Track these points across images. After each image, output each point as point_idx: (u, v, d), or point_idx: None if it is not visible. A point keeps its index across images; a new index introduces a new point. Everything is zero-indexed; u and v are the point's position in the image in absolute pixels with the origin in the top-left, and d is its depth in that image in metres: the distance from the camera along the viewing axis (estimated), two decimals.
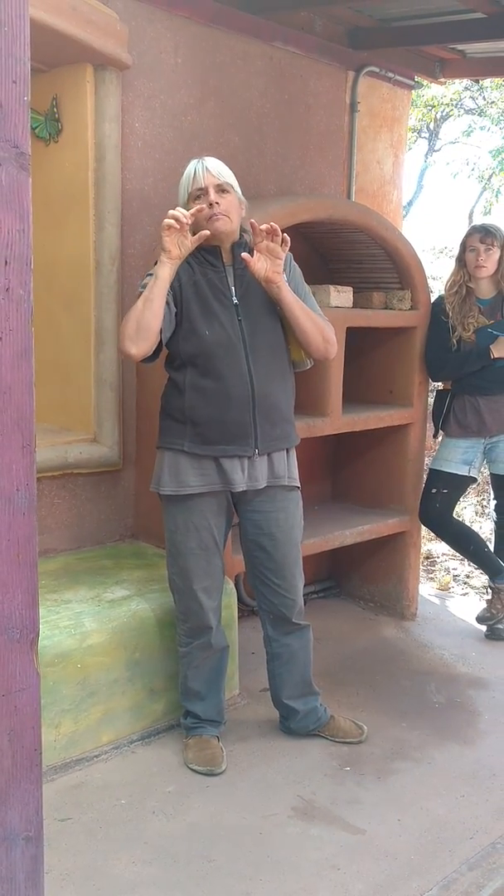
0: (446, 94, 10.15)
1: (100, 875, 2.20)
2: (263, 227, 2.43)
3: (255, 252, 2.47)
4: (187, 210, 2.42)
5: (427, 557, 4.80)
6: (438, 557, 4.86)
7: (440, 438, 3.85)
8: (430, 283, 4.12)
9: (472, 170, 11.65)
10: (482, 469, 3.81)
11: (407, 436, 3.82)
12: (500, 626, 3.79)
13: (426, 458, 4.00)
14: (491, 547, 3.87)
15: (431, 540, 4.97)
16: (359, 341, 3.65)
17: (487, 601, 3.87)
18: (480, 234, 3.58)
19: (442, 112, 10.72)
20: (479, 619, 3.84)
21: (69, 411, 3.38)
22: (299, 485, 2.73)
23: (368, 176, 4.35)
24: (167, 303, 2.46)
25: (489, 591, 3.85)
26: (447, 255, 10.83)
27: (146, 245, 3.36)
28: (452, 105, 10.54)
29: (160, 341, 2.49)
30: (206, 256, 2.56)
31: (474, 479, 3.78)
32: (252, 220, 2.46)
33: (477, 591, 4.38)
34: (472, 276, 3.61)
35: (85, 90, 3.10)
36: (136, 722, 2.84)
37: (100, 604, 2.83)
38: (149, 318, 2.40)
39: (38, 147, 3.20)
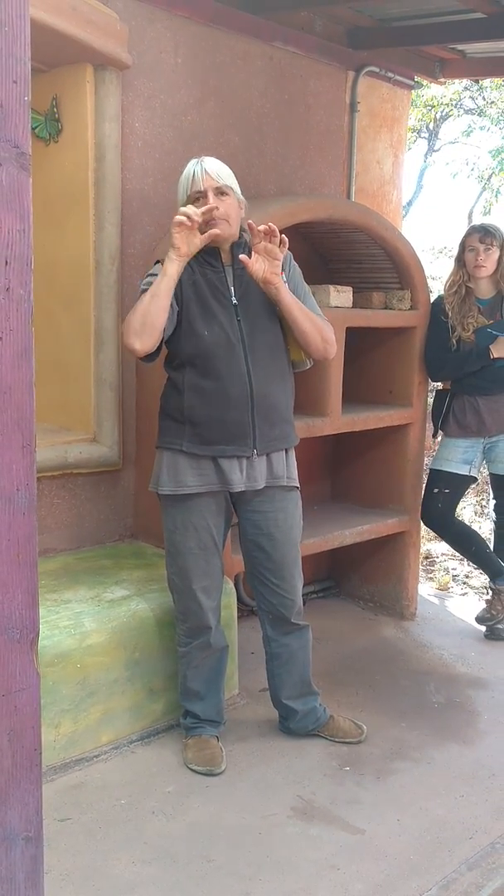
0: (446, 94, 10.16)
1: (99, 875, 2.20)
2: (261, 227, 2.43)
3: (252, 253, 2.46)
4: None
5: (426, 557, 4.80)
6: (438, 557, 4.86)
7: (440, 438, 3.85)
8: (430, 283, 4.12)
9: (472, 170, 11.66)
10: (482, 469, 3.81)
11: (406, 436, 3.82)
12: (499, 626, 3.79)
13: (426, 458, 4.00)
14: (491, 547, 3.87)
15: (431, 540, 4.97)
16: (358, 341, 3.65)
17: (487, 601, 3.87)
18: (479, 234, 3.58)
19: (442, 112, 10.72)
20: (479, 620, 3.84)
21: (69, 411, 3.38)
22: (298, 485, 2.73)
23: (368, 176, 4.35)
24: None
25: (489, 591, 3.85)
26: (447, 255, 10.83)
27: (146, 245, 3.36)
28: (452, 105, 10.55)
29: (162, 339, 2.49)
30: (205, 257, 2.56)
31: (475, 479, 3.79)
32: (250, 221, 2.46)
33: (476, 591, 4.38)
34: (471, 276, 3.61)
35: (85, 90, 3.10)
36: (135, 722, 2.84)
37: (99, 604, 2.83)
38: (154, 314, 2.40)
39: (38, 147, 3.20)
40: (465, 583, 4.50)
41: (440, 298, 3.70)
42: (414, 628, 3.86)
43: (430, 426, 3.88)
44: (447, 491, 3.72)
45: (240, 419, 2.54)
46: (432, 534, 4.89)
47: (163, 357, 2.62)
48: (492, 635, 3.77)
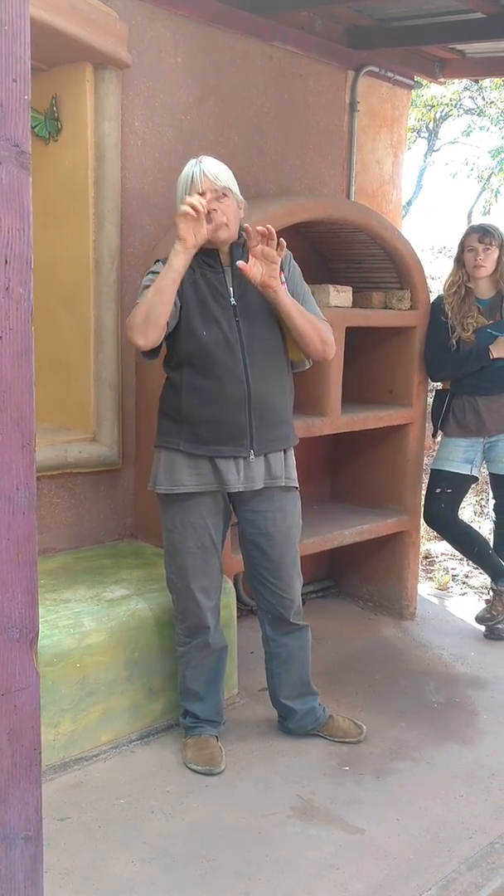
0: (446, 94, 10.16)
1: (99, 874, 2.20)
2: (259, 228, 2.42)
3: (250, 256, 2.45)
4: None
5: (426, 557, 4.80)
6: (437, 557, 4.86)
7: (439, 438, 3.85)
8: (429, 282, 4.12)
9: (472, 170, 11.66)
10: (482, 468, 3.81)
11: (406, 436, 3.82)
12: (500, 626, 3.79)
13: (425, 458, 4.00)
14: (491, 547, 3.87)
15: (430, 540, 4.97)
16: (358, 341, 3.65)
17: (487, 602, 3.87)
18: (478, 234, 3.59)
19: (441, 112, 10.72)
20: (479, 620, 3.84)
21: (68, 410, 3.37)
22: (297, 485, 2.73)
23: (368, 175, 4.35)
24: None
25: (490, 592, 3.85)
26: (446, 254, 10.83)
27: (146, 244, 3.36)
28: (452, 105, 10.55)
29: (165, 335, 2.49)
30: (204, 258, 2.55)
31: (476, 479, 3.79)
32: (247, 225, 2.44)
33: (476, 590, 4.38)
34: (470, 276, 3.61)
35: (84, 89, 3.09)
36: (135, 721, 2.84)
37: (99, 603, 2.82)
38: (159, 308, 2.39)
39: (37, 146, 3.19)
40: (464, 582, 4.50)
41: (440, 298, 3.70)
42: (413, 628, 3.86)
43: (429, 426, 3.88)
44: (450, 491, 3.72)
45: (237, 420, 2.54)
46: (432, 533, 4.89)
47: (162, 356, 2.62)
48: (491, 635, 3.77)
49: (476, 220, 10.34)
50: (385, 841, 2.37)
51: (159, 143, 3.37)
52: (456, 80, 8.21)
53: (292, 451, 2.73)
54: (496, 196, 11.54)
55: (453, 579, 4.54)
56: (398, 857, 2.30)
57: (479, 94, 10.35)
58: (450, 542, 3.91)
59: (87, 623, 2.71)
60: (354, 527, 3.65)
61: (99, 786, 2.58)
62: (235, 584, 3.35)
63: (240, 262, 2.43)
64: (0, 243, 1.10)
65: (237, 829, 2.40)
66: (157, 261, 2.56)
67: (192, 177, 2.50)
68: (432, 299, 3.77)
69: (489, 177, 11.52)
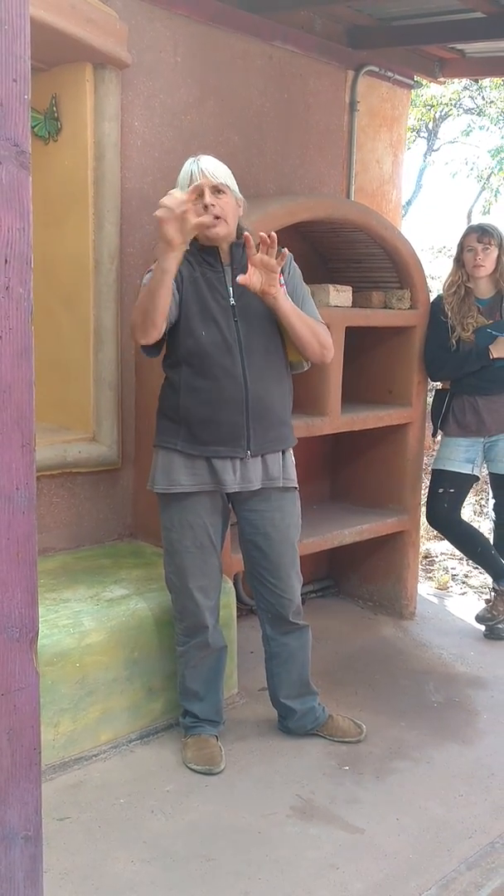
0: (445, 94, 10.16)
1: (98, 874, 2.20)
2: (262, 235, 2.40)
3: (249, 265, 2.42)
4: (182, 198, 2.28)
5: (425, 557, 4.80)
6: (437, 557, 4.86)
7: (439, 438, 3.85)
8: (429, 282, 4.12)
9: (471, 169, 11.67)
10: (482, 468, 3.81)
11: (406, 435, 3.82)
12: (500, 626, 3.79)
13: (425, 458, 3.99)
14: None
15: (430, 539, 4.97)
16: (358, 341, 3.65)
17: (487, 601, 3.87)
18: (477, 234, 3.59)
19: (441, 111, 10.72)
20: (479, 619, 3.84)
21: (68, 410, 3.37)
22: (296, 485, 2.73)
23: (368, 175, 4.35)
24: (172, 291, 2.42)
25: (491, 592, 3.85)
26: (446, 254, 10.84)
27: (145, 244, 3.36)
28: (451, 104, 10.55)
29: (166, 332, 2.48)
30: (204, 256, 2.55)
31: (477, 478, 3.78)
32: (246, 233, 2.42)
33: (475, 590, 4.38)
34: (470, 275, 3.61)
35: (84, 89, 3.09)
36: (134, 721, 2.84)
37: (98, 603, 2.82)
38: (152, 312, 2.38)
39: (37, 146, 3.19)
40: (464, 582, 4.50)
41: (440, 298, 3.70)
42: (413, 628, 3.86)
43: (429, 426, 3.88)
44: (452, 491, 3.72)
45: (234, 420, 2.54)
46: (431, 533, 4.90)
47: (161, 355, 2.62)
48: (491, 634, 3.77)
49: (476, 220, 10.35)
50: (385, 840, 2.37)
51: (159, 142, 3.37)
52: (456, 80, 8.22)
53: (291, 452, 2.72)
54: (496, 196, 11.54)
55: (453, 579, 4.54)
56: (398, 856, 2.30)
57: (479, 94, 10.35)
58: (452, 542, 3.90)
59: (86, 623, 2.71)
60: (354, 526, 3.65)
61: (98, 785, 2.58)
62: (235, 584, 3.35)
63: (239, 277, 2.42)
64: (0, 243, 1.10)
65: (237, 828, 2.40)
66: (157, 260, 2.56)
67: (191, 174, 2.50)
68: (432, 299, 3.77)
69: (489, 176, 11.52)
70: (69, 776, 2.61)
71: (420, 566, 4.39)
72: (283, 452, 2.68)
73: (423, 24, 3.99)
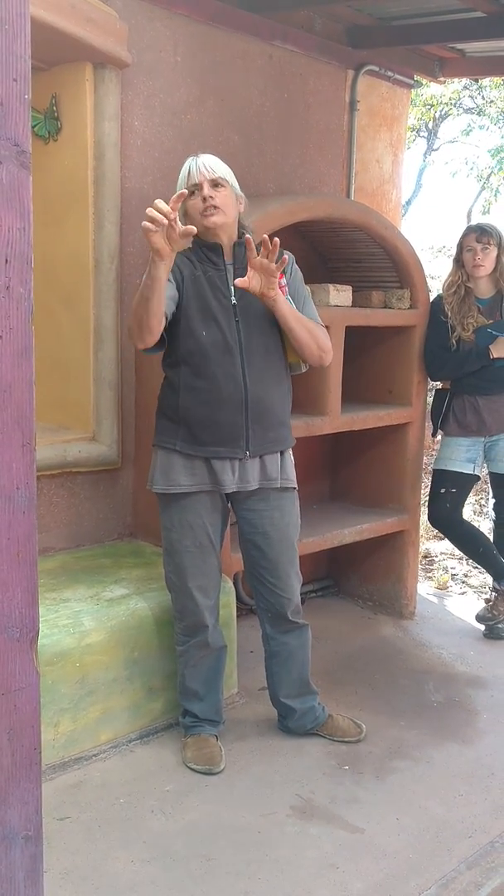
0: (445, 93, 10.16)
1: (98, 874, 2.20)
2: (264, 237, 2.40)
3: (248, 269, 2.42)
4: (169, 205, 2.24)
5: (425, 556, 4.80)
6: (437, 556, 4.87)
7: (439, 438, 3.85)
8: (429, 282, 4.12)
9: (471, 169, 11.67)
10: (482, 467, 3.81)
11: (406, 435, 3.82)
12: (500, 625, 3.79)
13: (425, 458, 3.99)
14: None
15: (430, 539, 4.97)
16: (358, 340, 3.65)
17: (487, 601, 3.87)
18: (476, 234, 3.59)
19: (441, 111, 10.73)
20: (479, 619, 3.84)
21: (68, 410, 3.37)
22: (295, 485, 2.73)
23: (368, 175, 4.35)
24: (169, 282, 2.41)
25: (491, 591, 3.85)
26: (445, 254, 10.85)
27: (145, 243, 3.32)
28: (451, 104, 10.55)
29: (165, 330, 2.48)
30: (207, 254, 2.55)
31: (478, 478, 3.78)
32: (248, 236, 2.42)
33: (475, 589, 4.38)
34: (470, 275, 3.61)
35: (84, 88, 3.09)
36: (134, 721, 2.84)
37: (98, 602, 2.82)
38: (148, 318, 2.37)
39: (37, 145, 3.19)
40: (463, 582, 4.50)
41: (439, 298, 3.70)
42: (413, 627, 3.87)
43: (429, 425, 3.88)
44: (454, 490, 3.71)
45: (233, 421, 2.54)
46: (431, 533, 4.90)
47: (161, 355, 2.62)
48: (491, 634, 3.77)
49: (476, 220, 10.36)
50: (385, 840, 2.37)
51: (159, 142, 3.37)
52: (455, 80, 8.22)
53: (290, 452, 2.72)
54: (496, 195, 11.55)
55: (453, 578, 4.54)
56: (398, 856, 2.30)
57: (479, 94, 10.35)
58: (454, 542, 3.89)
59: (86, 622, 2.71)
60: (354, 526, 3.65)
61: (98, 785, 2.58)
62: (235, 584, 3.35)
63: (238, 281, 2.42)
64: (0, 242, 1.10)
65: (237, 828, 2.40)
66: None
67: (190, 170, 2.51)
68: (432, 298, 3.77)
69: (489, 176, 11.53)
70: (69, 776, 2.61)
71: (420, 566, 4.39)
72: (282, 453, 2.68)
73: (423, 24, 3.99)
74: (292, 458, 2.73)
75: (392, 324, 3.67)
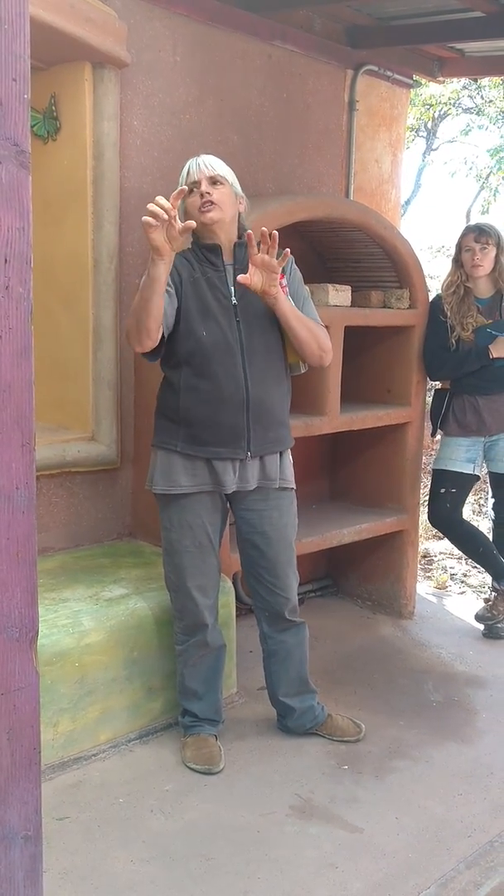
0: (444, 93, 10.16)
1: (98, 874, 2.20)
2: (263, 230, 2.40)
3: (249, 265, 2.42)
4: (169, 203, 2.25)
5: (424, 556, 4.80)
6: (436, 556, 4.87)
7: (439, 438, 3.85)
8: (428, 281, 4.12)
9: (470, 169, 11.68)
10: (482, 467, 3.81)
11: (405, 435, 3.82)
12: (499, 625, 3.79)
13: (424, 458, 3.99)
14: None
15: (429, 539, 4.97)
16: (357, 340, 3.65)
17: (487, 601, 3.87)
18: (475, 234, 3.59)
19: (440, 111, 10.73)
20: (479, 618, 3.84)
21: (67, 409, 3.37)
22: (293, 486, 2.73)
23: (367, 175, 4.35)
24: (168, 293, 2.41)
25: (491, 591, 3.85)
26: (445, 253, 10.84)
27: (144, 243, 3.33)
28: (451, 104, 10.55)
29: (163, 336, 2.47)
30: (206, 255, 2.55)
31: (478, 478, 3.78)
32: (249, 232, 2.43)
33: (474, 589, 4.38)
34: (469, 275, 3.61)
35: (83, 88, 3.09)
36: (134, 721, 2.84)
37: (98, 602, 2.82)
38: (146, 319, 2.37)
39: (36, 145, 3.19)
40: (463, 581, 4.50)
41: (439, 297, 3.70)
42: (412, 627, 3.87)
43: (428, 425, 3.88)
44: (454, 490, 3.71)
45: (234, 421, 2.54)
46: (430, 532, 4.90)
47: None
48: (490, 634, 3.77)
49: (475, 219, 10.36)
50: (384, 839, 2.37)
51: (158, 142, 3.37)
52: (455, 79, 8.22)
53: (289, 453, 2.72)
54: (495, 195, 11.56)
55: (452, 578, 4.54)
56: (397, 855, 2.30)
57: (478, 93, 10.36)
58: (454, 542, 3.89)
59: (85, 622, 2.71)
60: (353, 526, 3.65)
61: (98, 785, 2.58)
62: (234, 584, 3.35)
63: (240, 276, 2.42)
64: (0, 242, 1.10)
65: (236, 828, 2.40)
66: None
67: (189, 168, 2.51)
68: (431, 298, 3.77)
69: (488, 176, 11.53)
70: (68, 776, 2.61)
71: (419, 565, 4.39)
72: (281, 454, 2.68)
73: (422, 24, 3.99)
74: (291, 458, 2.74)
75: (391, 324, 3.67)
